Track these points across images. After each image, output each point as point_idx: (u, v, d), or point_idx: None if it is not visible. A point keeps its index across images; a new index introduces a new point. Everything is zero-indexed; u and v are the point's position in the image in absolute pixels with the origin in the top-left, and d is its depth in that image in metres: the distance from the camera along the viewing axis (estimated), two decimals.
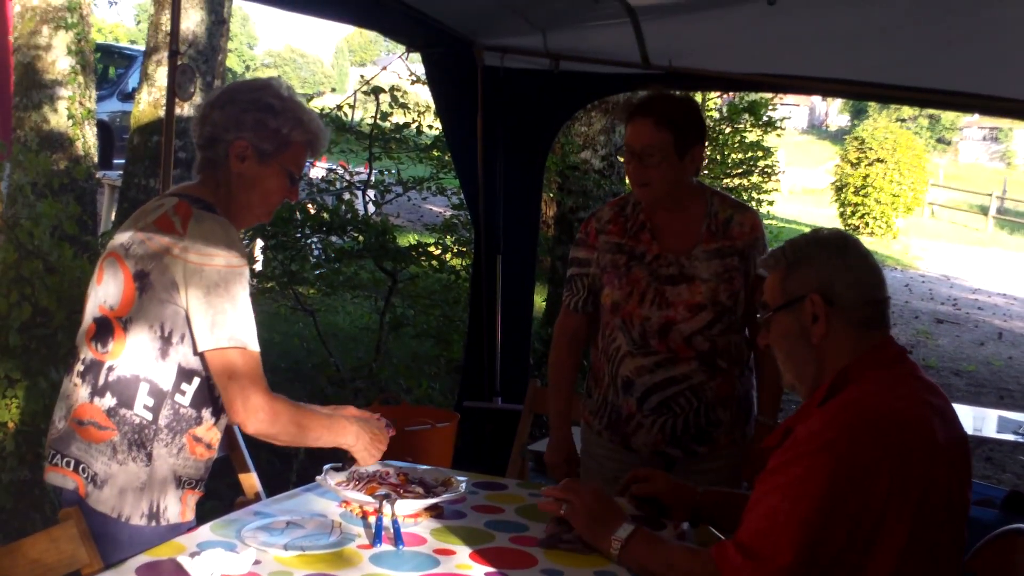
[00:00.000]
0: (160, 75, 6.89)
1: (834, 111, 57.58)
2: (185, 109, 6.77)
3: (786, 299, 2.28)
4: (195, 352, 2.40)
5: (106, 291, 2.44)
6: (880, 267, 2.33)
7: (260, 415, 2.39)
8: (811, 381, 2.29)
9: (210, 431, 2.50)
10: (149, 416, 2.39)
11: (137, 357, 2.39)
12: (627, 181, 9.54)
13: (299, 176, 2.62)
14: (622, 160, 9.10)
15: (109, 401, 2.39)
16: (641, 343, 3.18)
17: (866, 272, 2.28)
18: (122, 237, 2.48)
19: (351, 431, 2.63)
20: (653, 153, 3.12)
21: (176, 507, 2.45)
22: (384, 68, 8.06)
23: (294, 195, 2.62)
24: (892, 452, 2.08)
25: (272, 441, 2.47)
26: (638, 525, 2.38)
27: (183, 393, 2.42)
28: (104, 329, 2.42)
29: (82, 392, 2.42)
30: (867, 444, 2.09)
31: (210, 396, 2.47)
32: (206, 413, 2.47)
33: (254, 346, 2.40)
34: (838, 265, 2.25)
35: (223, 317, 2.35)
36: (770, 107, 11.80)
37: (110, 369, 2.40)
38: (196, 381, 2.43)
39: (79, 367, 2.46)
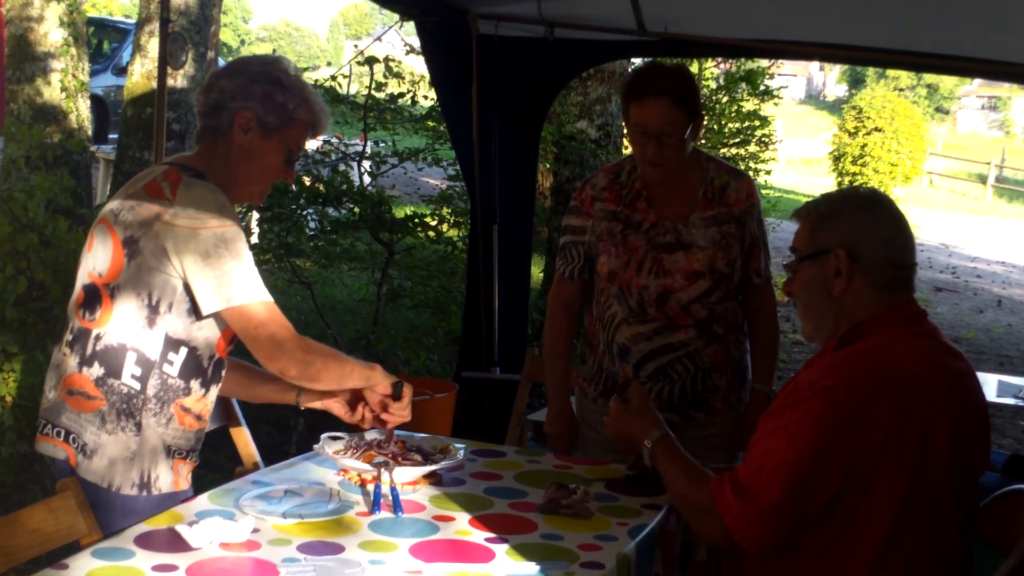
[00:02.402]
0: (153, 46, 6.84)
1: (831, 81, 57.41)
2: (178, 80, 6.74)
3: (812, 249, 2.29)
4: (198, 318, 2.38)
5: (95, 258, 2.42)
6: (910, 232, 2.31)
7: (298, 355, 2.39)
8: (828, 332, 2.30)
9: (199, 402, 2.48)
10: (137, 386, 2.37)
11: (124, 325, 2.36)
12: (624, 151, 9.51)
13: (297, 155, 2.60)
14: (625, 136, 9.07)
15: (97, 371, 2.37)
16: (639, 311, 3.16)
17: (895, 235, 2.27)
18: (112, 204, 2.45)
19: (377, 368, 2.64)
20: (673, 132, 3.04)
21: (168, 476, 2.44)
22: (378, 39, 8.00)
23: (290, 175, 2.60)
24: (890, 403, 2.09)
25: (315, 382, 2.47)
26: (664, 433, 2.46)
27: (170, 363, 2.40)
28: (92, 297, 2.40)
29: (71, 362, 2.40)
30: (864, 393, 2.10)
31: (199, 367, 2.45)
32: (195, 384, 2.45)
33: (267, 296, 2.38)
34: (867, 224, 2.25)
35: (228, 277, 2.33)
36: (767, 76, 11.75)
37: (98, 338, 2.38)
38: (183, 351, 2.41)
39: (68, 336, 2.44)
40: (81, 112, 6.64)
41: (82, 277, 2.45)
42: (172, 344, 2.39)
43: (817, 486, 2.09)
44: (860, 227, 2.25)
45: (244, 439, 3.30)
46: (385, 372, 2.66)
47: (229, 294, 2.33)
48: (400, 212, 7.65)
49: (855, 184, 22.29)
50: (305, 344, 2.43)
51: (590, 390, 3.32)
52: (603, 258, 3.20)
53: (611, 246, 3.18)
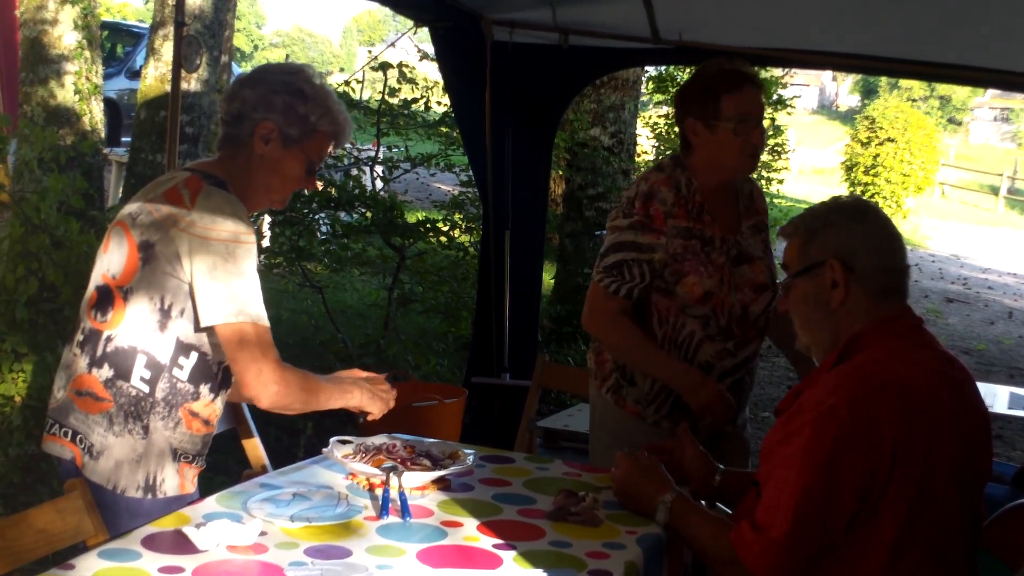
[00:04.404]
0: (167, 50, 6.86)
1: (844, 91, 57.33)
2: (192, 84, 6.75)
3: (805, 264, 2.28)
4: (197, 328, 2.38)
5: (110, 259, 2.43)
6: (899, 235, 2.31)
7: (272, 388, 2.38)
8: (826, 345, 2.29)
9: (208, 407, 2.48)
10: (146, 389, 2.37)
11: (136, 328, 2.37)
12: (636, 159, 9.43)
13: (319, 165, 2.60)
14: (639, 144, 9.06)
15: (107, 372, 2.37)
16: (727, 329, 3.07)
17: (885, 239, 2.27)
18: (131, 207, 2.46)
19: (356, 388, 2.62)
20: (762, 120, 3.10)
21: (174, 480, 2.43)
22: (392, 44, 8.02)
23: (311, 184, 2.60)
24: (894, 418, 2.08)
25: (285, 411, 2.46)
26: (678, 493, 2.42)
27: (181, 367, 2.40)
28: (105, 298, 2.41)
29: (81, 362, 2.41)
30: (867, 410, 2.09)
31: (209, 372, 2.45)
32: (204, 389, 2.45)
33: (264, 320, 2.39)
34: (858, 232, 2.25)
35: (230, 291, 2.33)
36: (780, 85, 11.75)
37: (108, 339, 2.38)
38: (194, 356, 2.41)
39: (79, 336, 2.44)
40: (94, 115, 6.65)
41: (95, 278, 2.45)
42: (183, 348, 2.40)
43: (832, 509, 2.07)
44: (852, 236, 2.25)
45: (253, 442, 3.30)
46: (363, 387, 2.65)
47: (226, 309, 2.33)
48: (412, 217, 7.66)
49: (865, 195, 22.29)
50: (285, 378, 2.40)
51: (648, 413, 3.15)
52: (692, 278, 3.03)
53: (699, 265, 3.04)
